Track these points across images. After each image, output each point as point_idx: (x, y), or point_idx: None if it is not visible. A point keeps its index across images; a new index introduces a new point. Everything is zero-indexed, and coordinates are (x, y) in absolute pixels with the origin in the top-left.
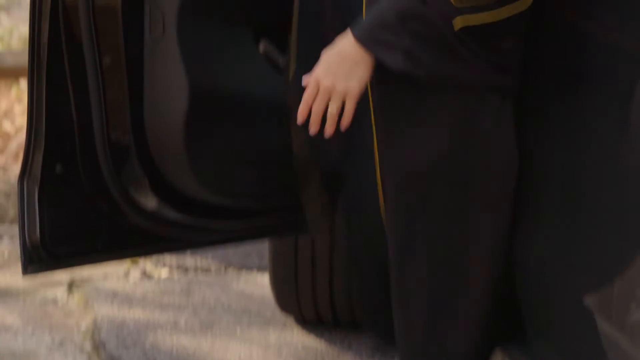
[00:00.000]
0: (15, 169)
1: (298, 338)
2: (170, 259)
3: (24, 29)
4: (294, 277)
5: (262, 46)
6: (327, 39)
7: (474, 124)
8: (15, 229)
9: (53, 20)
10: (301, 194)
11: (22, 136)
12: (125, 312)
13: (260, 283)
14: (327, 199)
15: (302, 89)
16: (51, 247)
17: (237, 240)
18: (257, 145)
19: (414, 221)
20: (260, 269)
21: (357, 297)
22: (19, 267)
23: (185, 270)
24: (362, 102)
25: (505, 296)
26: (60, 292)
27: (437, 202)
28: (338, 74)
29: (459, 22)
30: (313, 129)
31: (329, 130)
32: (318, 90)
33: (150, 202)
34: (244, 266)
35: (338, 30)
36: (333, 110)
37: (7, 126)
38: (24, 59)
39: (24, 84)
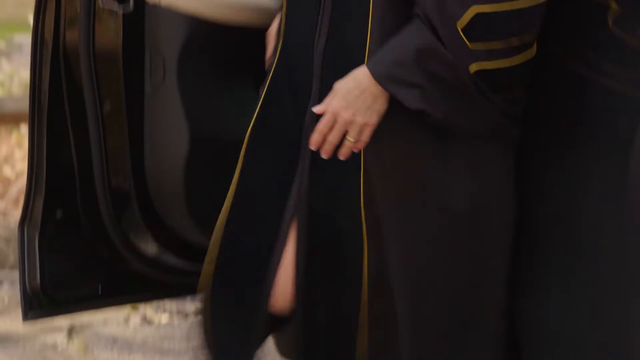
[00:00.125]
0: (16, 214)
1: None
2: (170, 304)
3: (24, 74)
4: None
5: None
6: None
7: (484, 172)
8: (15, 275)
9: (54, 66)
10: None
11: (22, 181)
12: (125, 357)
13: None
14: None
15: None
16: (51, 293)
17: None
18: None
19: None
20: None
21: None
22: (19, 313)
23: (185, 315)
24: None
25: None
26: (60, 338)
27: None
28: (358, 107)
29: (474, 66)
30: (325, 156)
31: (343, 155)
32: (334, 121)
33: (150, 247)
34: None
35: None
36: (351, 141)
37: (8, 171)
38: (24, 105)
39: (24, 129)
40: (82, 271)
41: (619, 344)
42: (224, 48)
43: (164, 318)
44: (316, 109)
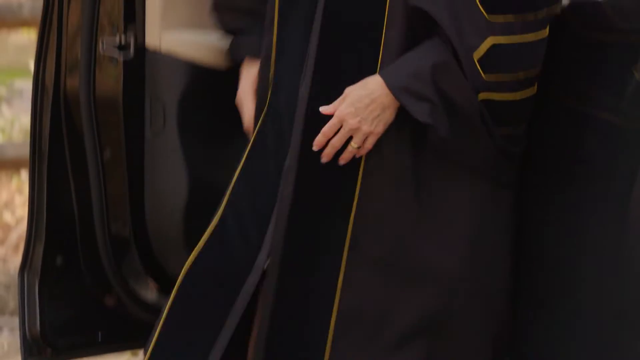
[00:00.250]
0: (16, 260)
1: None
2: None
3: (25, 119)
4: None
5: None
6: None
7: (483, 207)
8: (15, 321)
9: (54, 113)
10: None
11: (22, 227)
12: None
13: None
14: None
15: (317, 119)
16: (51, 340)
17: None
18: None
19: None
20: None
21: None
22: None
23: None
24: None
25: None
26: None
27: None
28: (366, 115)
29: (483, 95)
30: (326, 160)
31: (344, 160)
32: (340, 126)
33: (150, 294)
34: None
35: None
36: (354, 148)
37: (8, 217)
38: (25, 151)
39: (24, 175)
40: (82, 318)
41: None
42: (224, 95)
43: None
44: (324, 109)
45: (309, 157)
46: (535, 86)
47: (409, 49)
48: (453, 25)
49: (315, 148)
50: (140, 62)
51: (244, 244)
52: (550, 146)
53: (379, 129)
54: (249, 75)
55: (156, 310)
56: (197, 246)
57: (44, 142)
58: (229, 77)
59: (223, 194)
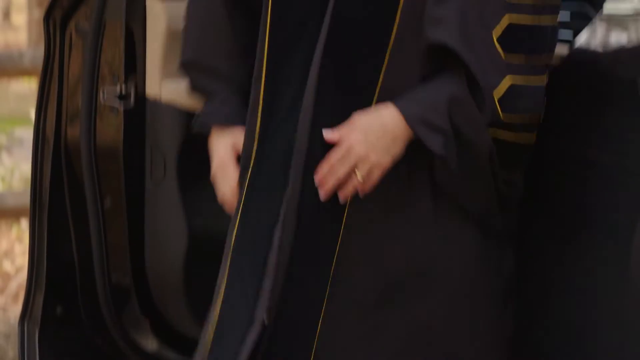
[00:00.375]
0: (16, 309)
1: None
2: None
3: (25, 168)
4: None
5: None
6: None
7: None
8: None
9: (55, 162)
10: None
11: (22, 276)
12: None
13: None
14: None
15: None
16: None
17: None
18: None
19: None
20: None
21: None
22: None
23: None
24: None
25: None
26: None
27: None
28: (376, 146)
29: (491, 131)
30: (325, 197)
31: (345, 196)
32: (348, 154)
33: (150, 343)
34: None
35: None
36: (360, 178)
37: (7, 266)
38: (25, 199)
39: (24, 223)
40: None
41: None
42: None
43: None
44: (329, 135)
45: (308, 203)
46: (535, 133)
47: (409, 87)
48: (476, 62)
49: (317, 179)
50: (140, 111)
51: (246, 304)
52: (551, 193)
53: (387, 161)
54: (226, 144)
55: (156, 359)
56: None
57: (44, 191)
58: None
59: (223, 254)
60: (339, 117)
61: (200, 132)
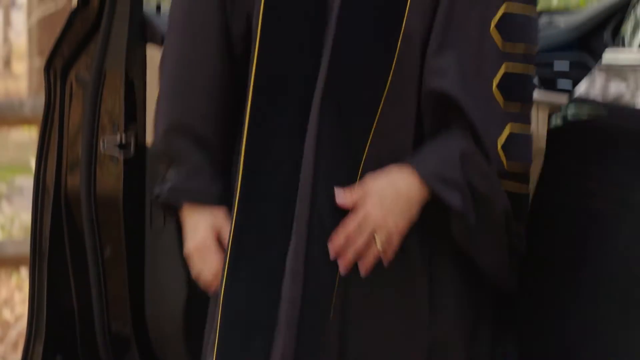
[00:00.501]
0: (15, 358)
1: None
2: None
3: (25, 217)
4: None
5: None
6: None
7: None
8: None
9: (55, 212)
10: None
11: (21, 325)
12: None
13: None
14: None
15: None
16: None
17: None
18: None
19: None
20: None
21: None
22: None
23: None
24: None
25: None
26: None
27: None
28: (392, 209)
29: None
30: (348, 267)
31: (367, 267)
32: (365, 222)
33: None
34: None
35: None
36: (380, 247)
37: (7, 314)
38: (24, 248)
39: (24, 272)
40: None
41: None
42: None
43: None
44: (341, 200)
45: (314, 261)
46: (529, 184)
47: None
48: (478, 111)
49: (333, 253)
50: (141, 160)
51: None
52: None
53: (404, 226)
54: (206, 225)
55: None
56: None
57: (44, 240)
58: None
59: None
60: (340, 172)
61: (166, 202)
